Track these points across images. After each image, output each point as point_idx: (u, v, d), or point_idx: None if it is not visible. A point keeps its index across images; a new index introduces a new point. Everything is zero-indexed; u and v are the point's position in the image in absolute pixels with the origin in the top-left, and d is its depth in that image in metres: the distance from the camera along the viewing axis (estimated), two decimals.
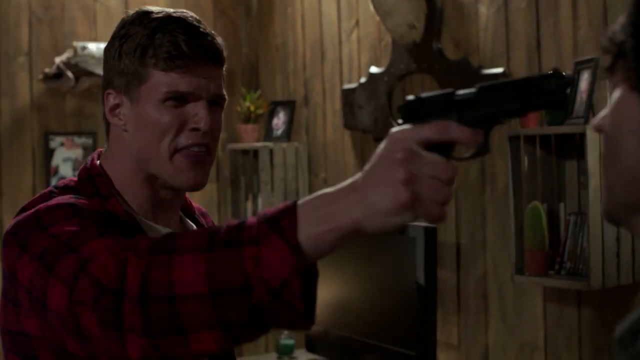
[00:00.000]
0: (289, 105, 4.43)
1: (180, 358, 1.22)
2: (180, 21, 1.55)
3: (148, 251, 1.23)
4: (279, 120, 4.44)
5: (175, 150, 1.54)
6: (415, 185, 1.10)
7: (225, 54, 1.60)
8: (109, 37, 1.62)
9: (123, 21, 1.60)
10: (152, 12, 1.58)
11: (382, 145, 1.13)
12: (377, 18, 3.71)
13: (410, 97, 1.20)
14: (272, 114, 4.50)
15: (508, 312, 3.28)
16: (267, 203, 4.28)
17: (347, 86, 4.05)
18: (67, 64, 4.34)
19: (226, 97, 1.61)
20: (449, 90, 1.19)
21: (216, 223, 1.76)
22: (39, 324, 1.38)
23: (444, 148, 1.14)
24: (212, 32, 1.58)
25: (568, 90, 1.11)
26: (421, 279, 3.20)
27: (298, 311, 1.16)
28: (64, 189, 1.55)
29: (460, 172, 1.26)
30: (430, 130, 1.13)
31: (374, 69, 3.87)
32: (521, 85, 1.15)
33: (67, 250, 1.33)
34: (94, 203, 1.51)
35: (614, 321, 2.86)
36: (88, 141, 4.51)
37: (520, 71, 3.18)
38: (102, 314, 1.23)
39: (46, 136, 4.45)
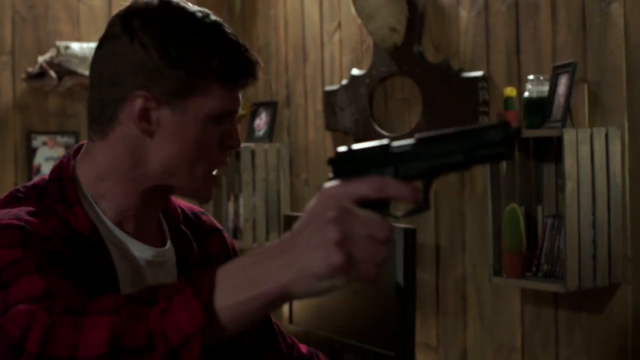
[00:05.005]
0: (271, 106, 4.44)
1: None
2: (226, 30, 1.48)
3: (61, 309, 1.11)
4: (261, 121, 4.46)
5: (211, 169, 1.45)
6: (349, 247, 0.99)
7: None
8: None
9: (149, 14, 1.42)
10: (193, 13, 1.46)
11: (312, 202, 1.03)
12: (359, 21, 3.73)
13: (342, 149, 1.11)
14: (254, 115, 4.51)
15: (486, 314, 3.31)
16: (248, 203, 4.30)
17: (328, 88, 4.08)
18: (50, 63, 4.34)
19: None
20: (384, 141, 1.10)
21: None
22: None
23: (379, 205, 1.05)
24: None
25: (515, 142, 1.05)
26: (400, 280, 3.22)
27: None
28: (31, 189, 1.43)
29: None
30: (364, 187, 1.03)
31: (355, 71, 3.90)
32: (464, 136, 1.05)
33: None
34: (51, 220, 1.36)
35: (590, 322, 2.89)
36: (70, 140, 4.51)
37: (500, 74, 3.21)
38: None
39: (28, 135, 4.46)
